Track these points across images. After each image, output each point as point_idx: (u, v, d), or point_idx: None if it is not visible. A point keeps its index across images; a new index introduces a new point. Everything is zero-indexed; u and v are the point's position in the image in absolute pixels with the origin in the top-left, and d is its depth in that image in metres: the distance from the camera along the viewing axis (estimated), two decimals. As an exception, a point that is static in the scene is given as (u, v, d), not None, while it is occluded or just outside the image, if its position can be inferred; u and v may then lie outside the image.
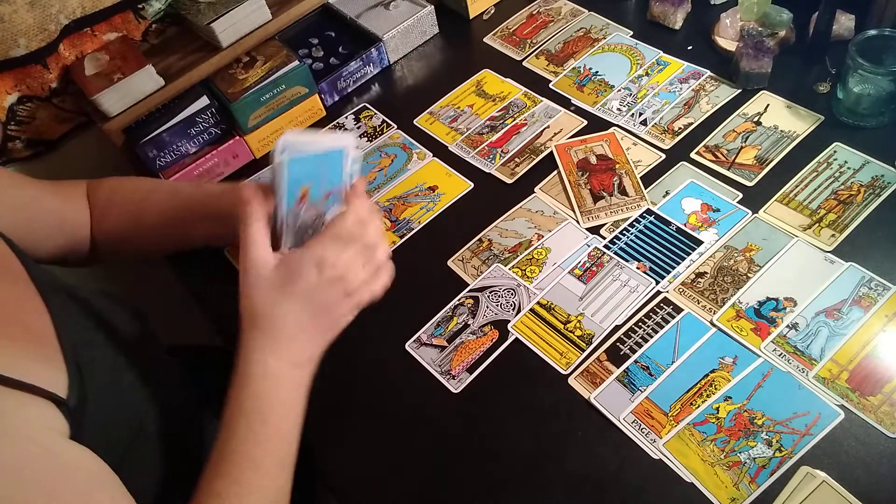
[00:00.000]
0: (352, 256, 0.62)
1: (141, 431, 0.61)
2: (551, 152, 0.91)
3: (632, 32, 1.05)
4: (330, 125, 1.03)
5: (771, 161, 0.84)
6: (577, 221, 0.84)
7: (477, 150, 0.95)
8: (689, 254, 0.78)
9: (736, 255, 0.77)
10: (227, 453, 0.56)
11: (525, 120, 0.97)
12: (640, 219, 0.82)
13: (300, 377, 0.61)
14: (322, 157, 0.63)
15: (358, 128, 1.02)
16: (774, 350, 0.69)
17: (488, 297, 0.79)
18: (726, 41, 0.97)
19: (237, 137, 0.98)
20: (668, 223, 0.81)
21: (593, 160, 0.89)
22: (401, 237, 0.87)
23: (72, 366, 0.54)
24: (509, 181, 0.90)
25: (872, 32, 0.81)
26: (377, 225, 0.65)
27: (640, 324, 0.73)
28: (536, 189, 0.88)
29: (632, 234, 0.81)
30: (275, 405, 0.58)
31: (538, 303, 0.77)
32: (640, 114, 0.93)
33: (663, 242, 0.79)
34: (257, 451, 0.56)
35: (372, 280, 0.65)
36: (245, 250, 0.60)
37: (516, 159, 0.92)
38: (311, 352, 0.62)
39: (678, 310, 0.73)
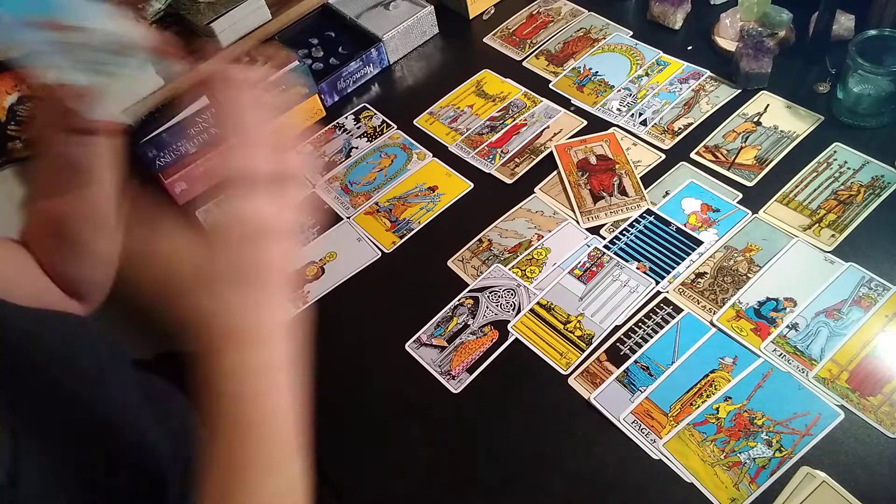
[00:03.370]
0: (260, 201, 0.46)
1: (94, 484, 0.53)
2: (551, 152, 0.91)
3: (632, 32, 1.05)
4: (330, 125, 1.03)
5: (771, 161, 0.84)
6: (577, 222, 0.83)
7: (477, 150, 0.95)
8: (689, 254, 0.78)
9: (736, 255, 0.77)
10: (213, 468, 0.44)
11: (525, 120, 0.97)
12: (640, 219, 0.82)
13: (270, 357, 0.46)
14: None
15: (358, 128, 1.02)
16: (774, 350, 0.69)
17: (488, 297, 0.79)
18: (726, 41, 0.97)
19: (237, 137, 0.98)
20: (668, 223, 0.81)
21: (593, 160, 0.89)
22: (401, 237, 0.87)
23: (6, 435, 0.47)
24: (509, 181, 0.90)
25: (872, 32, 0.81)
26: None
27: (640, 324, 0.73)
28: (536, 189, 0.88)
29: (632, 234, 0.81)
30: (253, 399, 0.45)
31: (538, 303, 0.77)
32: (640, 114, 0.93)
33: (663, 243, 0.79)
34: (245, 455, 0.44)
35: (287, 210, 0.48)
36: None
37: (516, 159, 0.92)
38: (266, 317, 0.47)
39: (678, 310, 0.73)
